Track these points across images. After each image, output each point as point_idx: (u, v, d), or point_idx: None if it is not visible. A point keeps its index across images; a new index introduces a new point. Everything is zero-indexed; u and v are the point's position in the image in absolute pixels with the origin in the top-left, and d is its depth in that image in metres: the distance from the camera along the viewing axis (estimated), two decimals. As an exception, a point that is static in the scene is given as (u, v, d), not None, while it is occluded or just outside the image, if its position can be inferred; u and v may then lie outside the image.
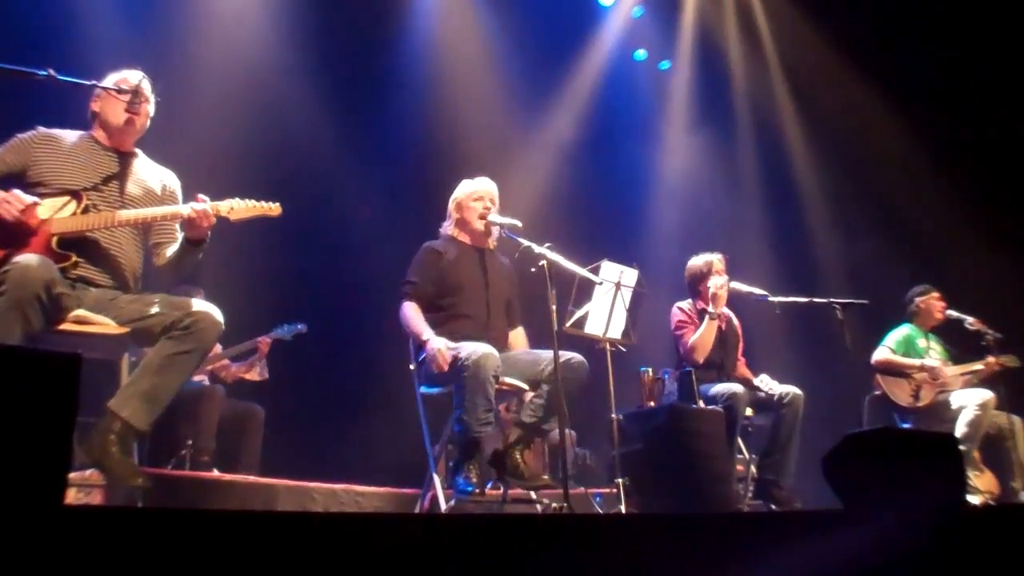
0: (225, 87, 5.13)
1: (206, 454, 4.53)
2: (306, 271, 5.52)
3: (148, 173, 3.03)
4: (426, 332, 3.59)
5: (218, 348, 5.10)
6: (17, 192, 2.66)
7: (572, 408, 3.64)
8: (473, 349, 3.37)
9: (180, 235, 2.97)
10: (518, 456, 3.60)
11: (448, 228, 4.00)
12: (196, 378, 4.92)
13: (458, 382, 3.37)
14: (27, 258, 2.49)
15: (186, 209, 2.78)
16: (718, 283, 4.49)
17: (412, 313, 3.70)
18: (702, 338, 4.46)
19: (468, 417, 3.33)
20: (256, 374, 5.20)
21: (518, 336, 4.00)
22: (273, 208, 2.90)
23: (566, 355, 3.55)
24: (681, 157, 7.20)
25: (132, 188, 2.92)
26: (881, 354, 5.24)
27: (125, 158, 2.98)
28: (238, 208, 2.83)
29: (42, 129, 2.91)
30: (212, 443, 4.60)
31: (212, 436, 4.61)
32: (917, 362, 5.15)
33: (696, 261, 4.75)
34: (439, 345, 3.48)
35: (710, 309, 4.48)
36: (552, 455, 4.91)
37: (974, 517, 2.49)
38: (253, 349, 5.14)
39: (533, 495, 3.97)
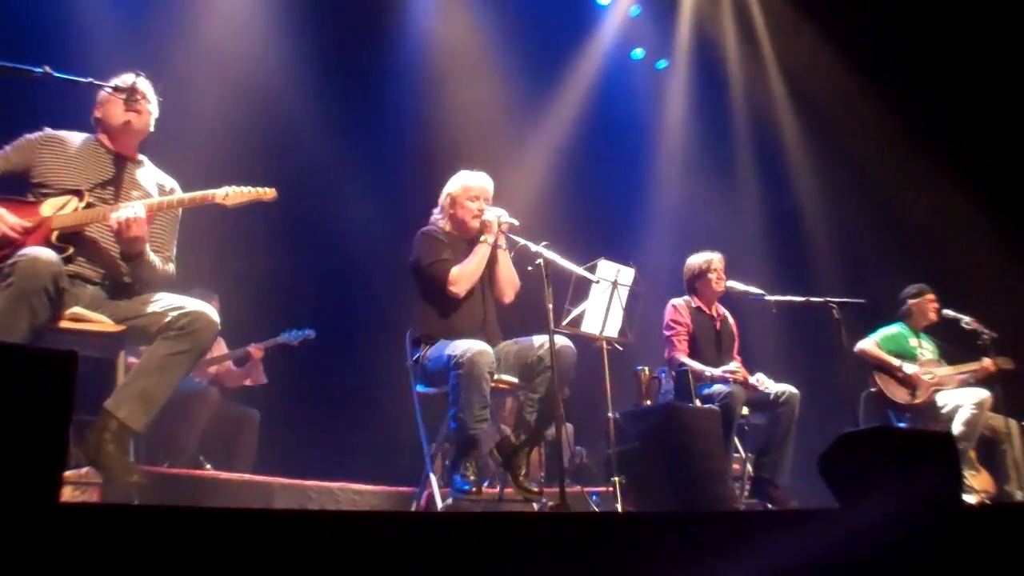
0: (224, 86, 5.12)
1: (185, 454, 4.47)
2: (300, 270, 5.51)
3: (148, 179, 3.04)
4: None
5: (223, 347, 5.09)
6: (2, 212, 2.66)
7: (566, 390, 3.55)
8: (467, 347, 3.35)
9: (173, 246, 3.02)
10: (522, 458, 3.59)
11: (441, 221, 3.85)
12: (195, 379, 4.90)
13: (453, 380, 3.35)
14: (34, 250, 2.50)
15: (113, 216, 2.70)
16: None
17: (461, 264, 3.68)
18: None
19: (464, 415, 3.32)
20: (252, 380, 5.12)
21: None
22: (267, 192, 2.90)
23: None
24: (678, 156, 7.21)
25: (131, 192, 2.93)
26: (865, 344, 5.22)
27: (128, 163, 2.98)
28: (233, 194, 2.84)
29: (49, 131, 2.92)
30: (195, 443, 4.54)
31: (196, 436, 4.55)
32: (897, 362, 5.13)
33: (695, 259, 4.75)
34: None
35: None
36: (549, 453, 4.90)
37: (970, 516, 2.49)
38: (246, 357, 5.04)
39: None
